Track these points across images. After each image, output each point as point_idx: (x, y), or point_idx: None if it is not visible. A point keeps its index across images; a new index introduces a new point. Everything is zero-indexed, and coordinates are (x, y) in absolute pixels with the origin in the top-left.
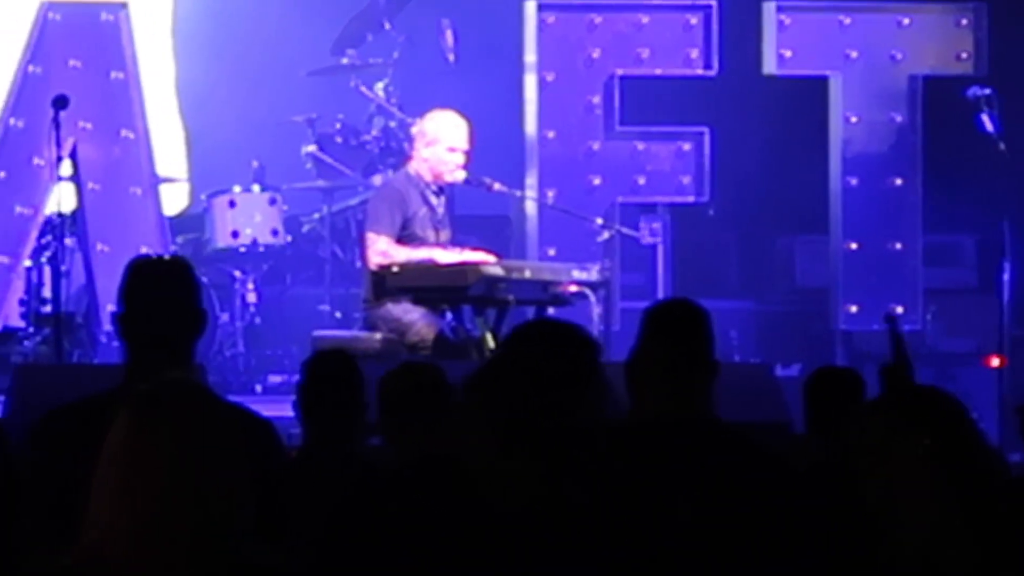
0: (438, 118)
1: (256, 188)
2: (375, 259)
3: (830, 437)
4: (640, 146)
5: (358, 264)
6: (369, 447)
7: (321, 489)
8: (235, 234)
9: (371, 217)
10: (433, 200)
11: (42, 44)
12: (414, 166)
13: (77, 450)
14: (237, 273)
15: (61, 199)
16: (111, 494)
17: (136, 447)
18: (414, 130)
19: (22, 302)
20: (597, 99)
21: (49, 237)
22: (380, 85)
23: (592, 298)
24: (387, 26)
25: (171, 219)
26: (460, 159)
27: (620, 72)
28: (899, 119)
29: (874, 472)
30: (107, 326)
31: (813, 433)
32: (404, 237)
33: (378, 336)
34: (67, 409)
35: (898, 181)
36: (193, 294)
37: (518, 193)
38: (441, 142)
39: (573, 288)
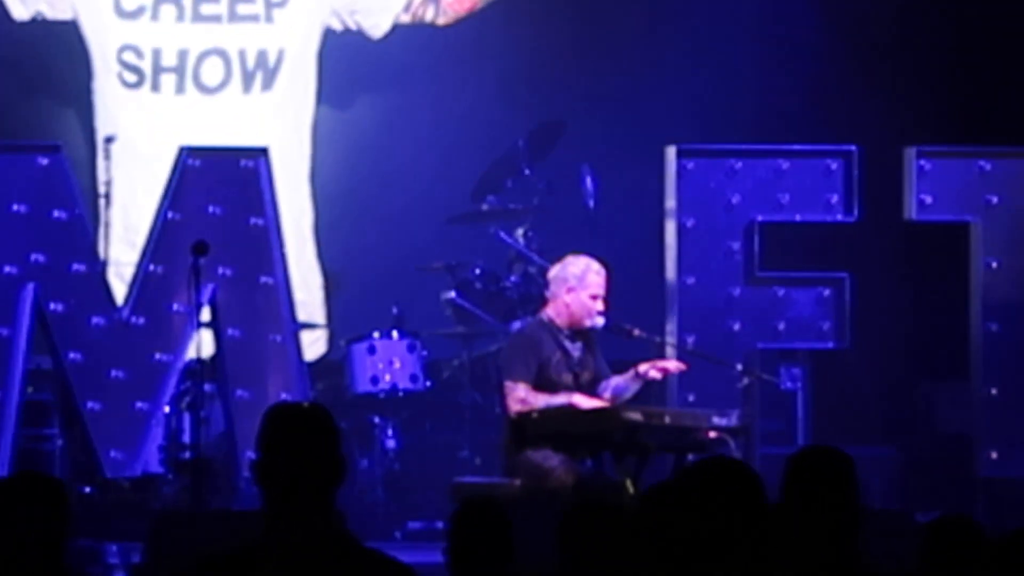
0: (580, 264)
1: (395, 334)
2: (515, 407)
3: None
4: (780, 292)
5: (497, 410)
6: None
7: None
8: (375, 380)
9: (506, 366)
10: (567, 344)
11: (182, 190)
12: (548, 312)
13: None
14: (376, 419)
15: (200, 345)
16: None
17: None
18: (552, 275)
19: (161, 448)
20: (737, 245)
21: (188, 383)
22: (520, 231)
23: (732, 444)
24: (527, 172)
25: (310, 365)
26: (601, 307)
27: (760, 218)
28: None
29: None
30: (246, 472)
31: None
32: (540, 383)
33: (518, 483)
34: (214, 559)
35: None
36: (332, 441)
37: (658, 339)
38: (584, 289)
39: (713, 434)
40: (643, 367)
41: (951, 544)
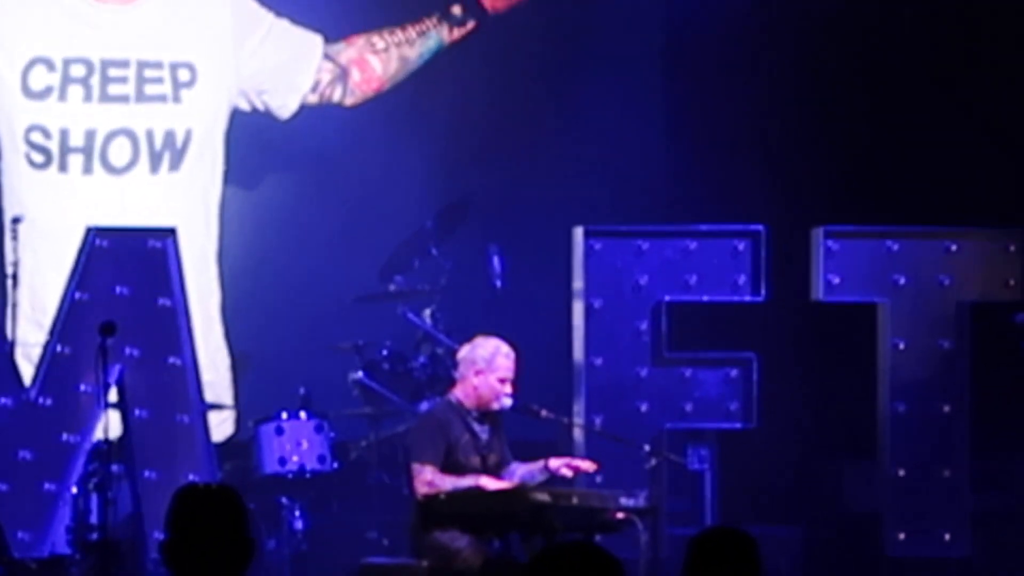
0: (489, 347)
1: (303, 415)
2: (422, 489)
3: None
4: (687, 372)
5: (405, 491)
6: None
7: None
8: (282, 461)
9: (414, 448)
10: (475, 426)
11: (89, 270)
12: (457, 393)
13: None
14: (284, 500)
15: (108, 426)
16: None
17: None
18: (461, 356)
19: (69, 529)
20: (644, 325)
21: (96, 464)
22: (427, 312)
23: (639, 525)
24: (434, 252)
25: (218, 446)
26: (509, 390)
27: (667, 298)
28: (947, 345)
29: None
30: (154, 553)
31: None
32: (448, 465)
33: (425, 564)
34: None
35: (946, 408)
36: (241, 523)
37: (565, 420)
38: (493, 372)
39: (621, 515)
40: (554, 463)
41: None
